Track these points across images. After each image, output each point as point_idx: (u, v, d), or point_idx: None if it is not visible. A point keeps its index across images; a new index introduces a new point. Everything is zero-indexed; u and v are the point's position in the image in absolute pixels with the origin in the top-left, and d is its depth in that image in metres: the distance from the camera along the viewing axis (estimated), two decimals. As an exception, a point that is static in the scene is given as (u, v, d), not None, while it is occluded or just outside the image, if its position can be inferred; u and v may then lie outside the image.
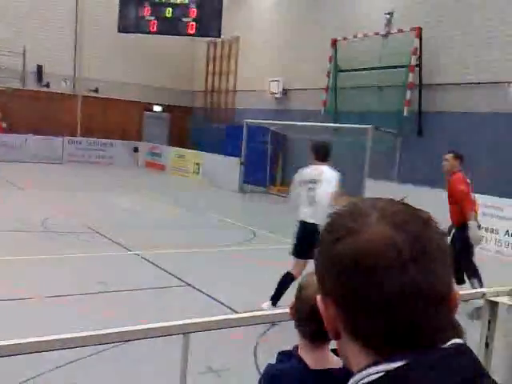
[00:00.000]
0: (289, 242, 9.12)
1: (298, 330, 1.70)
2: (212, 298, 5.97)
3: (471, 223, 6.12)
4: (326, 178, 5.60)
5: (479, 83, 12.03)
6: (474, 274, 6.15)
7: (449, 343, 0.72)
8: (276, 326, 4.72)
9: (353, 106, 14.16)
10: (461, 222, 6.21)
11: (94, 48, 20.70)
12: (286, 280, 5.50)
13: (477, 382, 0.70)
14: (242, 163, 15.95)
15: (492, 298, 2.86)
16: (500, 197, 9.60)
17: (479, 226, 6.87)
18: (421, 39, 13.06)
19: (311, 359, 1.65)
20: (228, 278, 6.89)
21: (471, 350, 0.74)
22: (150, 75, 21.69)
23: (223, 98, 21.32)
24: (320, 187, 5.54)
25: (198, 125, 22.08)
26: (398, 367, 0.69)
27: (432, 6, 13.27)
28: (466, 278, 6.16)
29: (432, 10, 13.24)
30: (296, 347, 1.74)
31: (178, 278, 6.60)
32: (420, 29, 13.04)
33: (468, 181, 6.36)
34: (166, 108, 22.55)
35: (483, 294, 2.90)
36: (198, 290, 6.22)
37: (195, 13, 19.47)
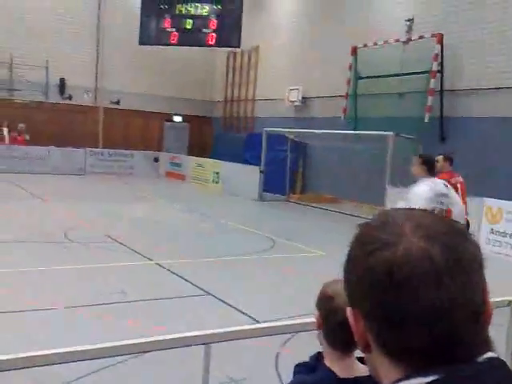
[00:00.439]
0: (309, 251, 9.09)
1: (326, 340, 1.66)
2: (232, 306, 5.94)
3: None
4: (452, 192, 5.68)
5: (501, 87, 11.87)
6: None
7: (483, 357, 0.69)
8: (297, 335, 4.67)
9: (373, 112, 14.09)
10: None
11: (115, 60, 21.01)
12: None
13: None
14: (261, 171, 15.95)
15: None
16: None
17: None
18: (442, 45, 12.95)
19: (339, 368, 1.61)
20: (248, 287, 6.86)
21: (505, 364, 0.71)
22: (170, 86, 21.90)
23: (243, 107, 21.41)
24: (453, 201, 5.54)
25: (218, 134, 22.20)
26: (432, 381, 0.67)
27: (452, 11, 13.16)
28: None
29: (453, 16, 13.14)
30: (315, 357, 1.70)
31: (198, 287, 6.58)
32: (441, 35, 12.94)
33: (455, 181, 6.83)
34: (186, 118, 22.73)
35: (509, 302, 2.82)
36: (218, 298, 6.19)
37: (215, 24, 19.64)
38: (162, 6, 20.00)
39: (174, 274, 7.14)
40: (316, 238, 10.40)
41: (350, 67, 15.31)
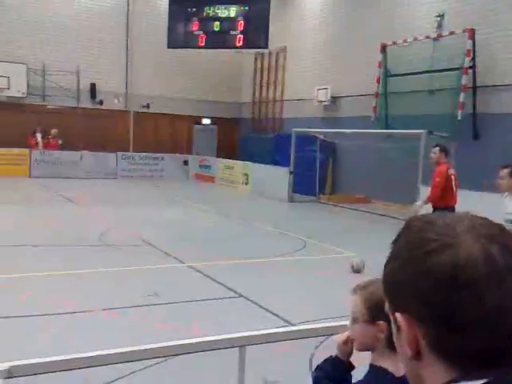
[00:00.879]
0: (340, 251, 9.01)
1: (387, 341, 1.61)
2: (265, 308, 5.92)
3: (417, 203, 7.57)
4: None
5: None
6: None
7: None
8: (330, 337, 4.61)
9: (404, 110, 13.89)
10: (440, 205, 7.17)
11: (144, 65, 21.28)
12: None
13: None
14: (291, 172, 15.89)
15: None
16: None
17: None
18: (474, 40, 12.68)
19: (394, 366, 1.56)
20: (280, 289, 6.83)
21: None
22: (198, 89, 22.06)
23: (271, 108, 21.41)
24: None
25: (246, 136, 22.24)
26: None
27: (484, 6, 12.88)
28: None
29: (484, 10, 12.85)
30: (342, 366, 1.68)
31: (230, 289, 6.59)
32: (473, 30, 12.67)
33: (450, 172, 7.42)
34: (215, 120, 22.84)
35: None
36: (251, 300, 6.18)
37: (243, 25, 19.70)
38: (189, 9, 20.17)
39: (206, 276, 7.17)
40: (347, 239, 10.30)
41: (380, 65, 15.14)
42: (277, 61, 20.94)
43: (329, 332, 3.08)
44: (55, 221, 10.96)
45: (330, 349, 4.61)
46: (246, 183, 18.11)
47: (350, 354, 1.79)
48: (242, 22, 19.74)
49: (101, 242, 9.02)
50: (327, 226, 12.08)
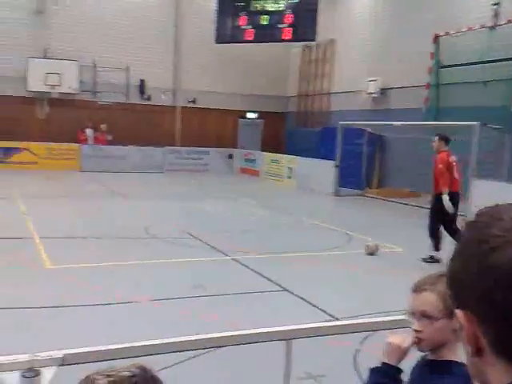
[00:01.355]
0: (387, 246, 8.85)
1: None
2: (309, 302, 5.89)
3: (444, 197, 7.57)
4: None
5: None
6: (433, 235, 7.74)
7: None
8: (376, 332, 4.55)
9: (456, 102, 13.51)
10: (437, 192, 7.74)
11: (191, 60, 21.51)
12: None
13: None
14: (337, 166, 15.72)
15: None
16: None
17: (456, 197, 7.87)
18: (531, 28, 12.19)
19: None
20: (324, 283, 6.78)
21: None
22: (244, 83, 22.12)
23: (318, 101, 21.24)
24: None
25: (292, 129, 22.14)
26: None
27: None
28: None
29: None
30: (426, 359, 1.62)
31: (275, 283, 6.58)
32: (531, 17, 12.17)
33: (451, 159, 7.72)
34: (260, 114, 22.85)
35: None
36: (295, 294, 6.16)
37: (291, 18, 19.61)
38: (237, 4, 20.23)
39: (250, 269, 7.19)
40: (394, 234, 10.11)
41: (432, 56, 14.79)
42: (325, 53, 20.74)
43: (375, 327, 3.03)
44: (103, 213, 11.25)
45: (375, 345, 4.54)
46: (291, 177, 18.05)
47: (404, 357, 1.72)
48: (290, 15, 19.64)
49: (147, 234, 9.19)
50: (374, 221, 11.89)
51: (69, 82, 19.55)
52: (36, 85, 19.20)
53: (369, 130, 16.52)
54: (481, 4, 13.82)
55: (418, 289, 1.66)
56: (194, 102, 21.91)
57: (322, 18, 19.18)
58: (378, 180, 17.38)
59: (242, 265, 7.40)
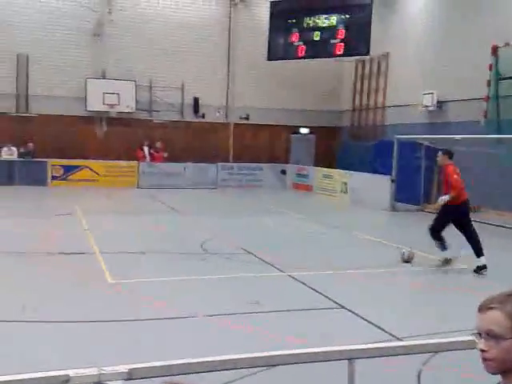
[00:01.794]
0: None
1: None
2: (367, 320, 5.75)
3: (445, 197, 8.24)
4: None
5: None
6: (437, 237, 8.28)
7: None
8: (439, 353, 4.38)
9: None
10: (457, 201, 8.13)
11: (244, 77, 21.81)
12: None
13: None
14: (393, 181, 15.41)
15: None
16: None
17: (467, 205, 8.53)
18: None
19: None
20: (382, 301, 6.62)
21: None
22: (296, 99, 22.17)
23: (371, 115, 20.99)
24: None
25: (345, 144, 21.94)
26: None
27: None
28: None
29: None
30: None
31: (331, 300, 6.47)
32: None
33: (458, 171, 8.30)
34: (312, 129, 22.80)
35: None
36: (353, 312, 6.03)
37: (343, 33, 19.58)
38: (289, 21, 20.41)
39: (306, 285, 7.11)
40: (454, 251, 9.76)
41: (491, 67, 14.37)
42: (379, 67, 20.52)
43: (441, 348, 2.92)
44: (160, 229, 11.47)
45: (439, 366, 4.36)
46: (345, 192, 17.84)
47: None
48: (342, 30, 19.61)
49: (203, 250, 9.29)
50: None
51: (126, 102, 20.22)
52: (95, 104, 19.97)
53: (426, 143, 16.13)
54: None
55: (484, 307, 1.59)
56: (246, 118, 22.15)
57: (375, 31, 19.02)
58: (437, 195, 16.88)
59: (298, 281, 7.33)
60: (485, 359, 1.57)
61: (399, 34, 19.29)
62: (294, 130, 22.73)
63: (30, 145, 19.03)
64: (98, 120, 20.59)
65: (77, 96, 19.81)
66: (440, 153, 8.71)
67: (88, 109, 20.04)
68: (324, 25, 19.96)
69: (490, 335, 1.55)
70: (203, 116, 21.71)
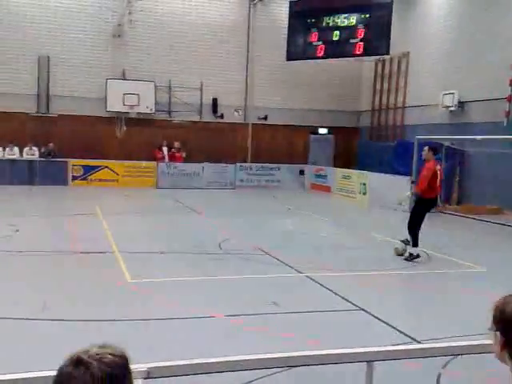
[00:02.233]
0: (468, 266, 8.45)
1: None
2: (386, 323, 5.70)
3: (407, 194, 9.61)
4: None
5: None
6: (413, 232, 8.75)
7: None
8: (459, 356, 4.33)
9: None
10: (426, 195, 8.67)
11: (262, 78, 21.80)
12: None
13: None
14: (412, 182, 15.23)
15: None
16: None
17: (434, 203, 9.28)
18: None
19: None
20: (401, 303, 6.57)
21: None
22: (315, 99, 22.11)
23: (391, 115, 20.83)
24: None
25: (364, 144, 21.80)
26: None
27: None
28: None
29: None
30: None
31: (350, 302, 6.43)
32: None
33: (437, 168, 8.70)
34: (331, 130, 22.70)
35: None
36: (372, 314, 5.99)
37: (363, 33, 19.46)
38: (308, 21, 20.34)
39: (324, 287, 7.08)
40: (475, 253, 9.65)
41: (513, 67, 14.13)
42: (399, 66, 20.35)
43: (459, 351, 2.88)
44: (179, 229, 11.53)
45: (458, 369, 4.31)
46: (364, 193, 17.72)
47: None
48: (362, 30, 19.49)
49: (221, 250, 9.31)
50: (453, 239, 11.41)
51: (146, 102, 20.36)
52: (115, 105, 20.15)
53: (447, 144, 15.95)
54: None
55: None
56: (265, 118, 22.14)
57: (395, 31, 18.87)
58: (458, 196, 16.70)
59: (315, 282, 7.31)
60: None
61: (419, 32, 19.11)
62: (313, 130, 22.66)
63: (51, 145, 19.29)
64: (118, 120, 20.77)
65: (97, 97, 20.02)
66: (426, 148, 8.99)
67: (108, 109, 20.23)
68: (343, 24, 19.87)
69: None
70: (222, 116, 21.77)
